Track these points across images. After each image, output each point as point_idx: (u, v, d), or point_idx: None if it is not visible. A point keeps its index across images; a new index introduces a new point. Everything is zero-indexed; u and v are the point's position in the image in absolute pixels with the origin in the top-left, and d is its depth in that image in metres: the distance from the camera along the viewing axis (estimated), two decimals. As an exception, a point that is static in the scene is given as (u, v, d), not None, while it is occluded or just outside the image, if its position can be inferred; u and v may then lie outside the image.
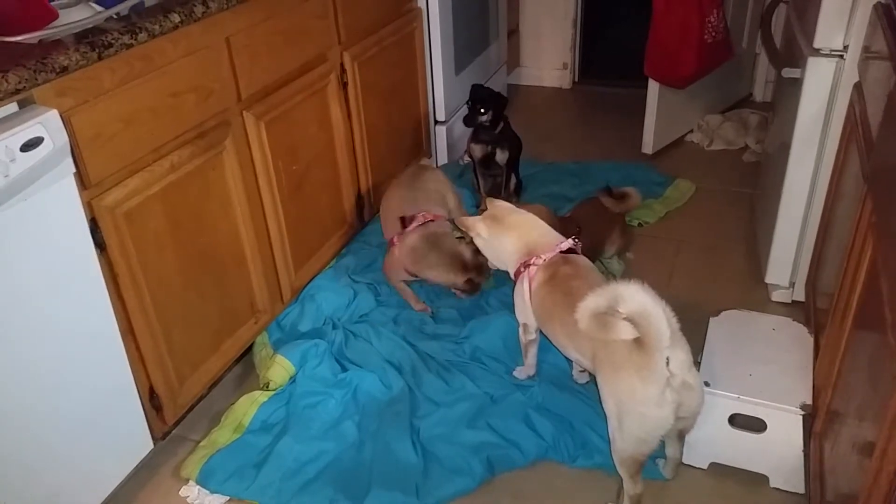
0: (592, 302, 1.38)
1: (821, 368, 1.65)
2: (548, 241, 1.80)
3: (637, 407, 1.45)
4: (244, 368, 2.13)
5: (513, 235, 1.83)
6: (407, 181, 2.41)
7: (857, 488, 1.14)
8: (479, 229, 1.85)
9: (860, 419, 1.25)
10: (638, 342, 1.39)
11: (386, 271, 2.33)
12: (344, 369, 2.02)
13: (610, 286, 1.39)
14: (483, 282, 2.25)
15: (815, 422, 1.60)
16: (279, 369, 2.00)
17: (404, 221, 2.24)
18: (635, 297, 1.34)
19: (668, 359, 1.40)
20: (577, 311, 1.40)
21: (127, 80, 1.52)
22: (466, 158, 2.97)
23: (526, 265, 1.78)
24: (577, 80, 4.08)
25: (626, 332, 1.39)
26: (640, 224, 2.73)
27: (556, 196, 2.82)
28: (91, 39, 1.42)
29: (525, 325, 1.88)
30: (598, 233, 2.38)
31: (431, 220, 2.24)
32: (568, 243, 1.78)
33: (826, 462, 1.46)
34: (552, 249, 1.76)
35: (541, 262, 1.75)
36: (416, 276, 2.24)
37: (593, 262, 2.36)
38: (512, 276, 1.86)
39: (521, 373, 1.99)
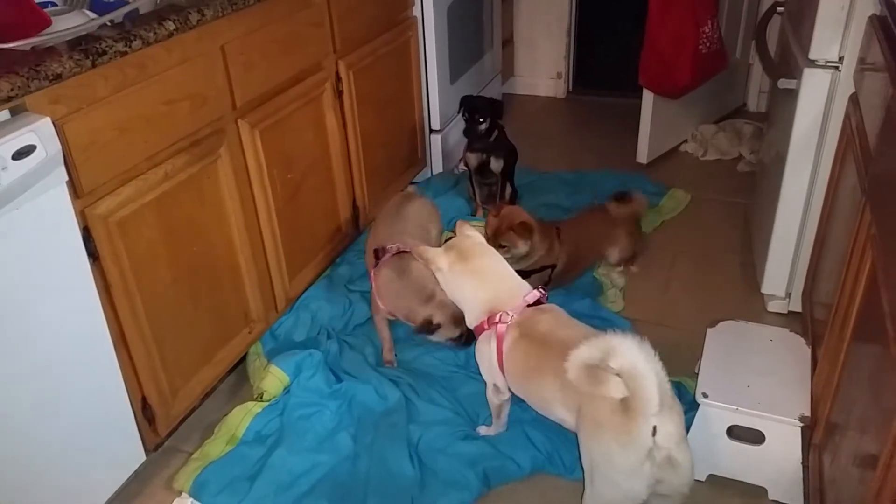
0: (586, 352, 1.28)
1: (819, 380, 1.65)
2: (513, 293, 1.65)
3: (610, 472, 1.36)
4: (238, 378, 2.11)
5: (475, 282, 1.67)
6: (390, 211, 2.31)
7: (859, 501, 1.13)
8: (440, 263, 1.70)
9: (861, 432, 1.24)
10: (624, 403, 1.30)
11: (372, 309, 2.19)
12: (339, 380, 2.00)
13: (606, 336, 1.29)
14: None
15: (814, 433, 1.59)
16: (273, 380, 1.97)
17: (377, 253, 2.11)
18: (628, 354, 1.24)
19: (654, 427, 1.29)
20: (567, 360, 1.30)
21: (121, 87, 1.51)
22: (462, 167, 2.96)
23: (492, 322, 1.63)
24: (571, 89, 4.09)
25: (615, 389, 1.29)
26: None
27: (551, 205, 2.82)
28: (85, 47, 1.41)
29: (495, 385, 1.72)
30: (599, 239, 2.38)
31: (406, 252, 2.06)
32: (534, 294, 1.64)
33: (826, 474, 1.45)
34: (519, 303, 1.62)
35: (509, 319, 1.60)
36: (394, 315, 2.10)
37: (584, 270, 2.39)
38: (471, 326, 1.72)
39: (488, 431, 1.84)
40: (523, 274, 2.15)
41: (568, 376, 1.31)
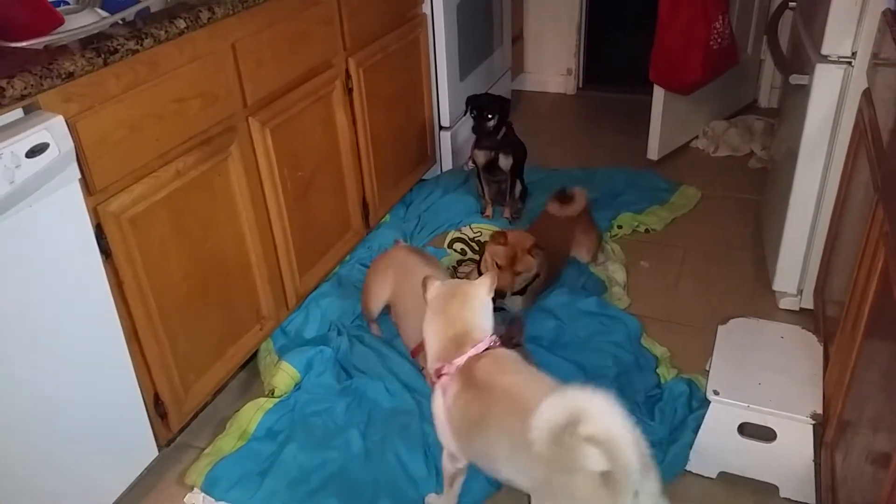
0: (550, 414, 1.12)
1: (831, 377, 1.64)
2: (468, 340, 1.47)
3: None
4: (249, 375, 2.12)
5: (438, 324, 1.51)
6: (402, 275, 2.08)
7: (872, 499, 1.13)
8: (429, 294, 1.55)
9: (874, 430, 1.23)
10: (605, 476, 1.14)
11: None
12: (349, 377, 2.01)
13: (568, 394, 1.12)
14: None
15: (826, 431, 1.58)
16: (284, 376, 1.98)
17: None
18: (602, 418, 1.09)
19: (638, 493, 1.16)
20: (532, 428, 1.14)
21: (132, 85, 1.51)
22: (470, 164, 2.96)
23: (438, 374, 1.47)
24: (581, 86, 4.08)
25: (596, 462, 1.12)
26: (647, 231, 2.73)
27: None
28: (97, 45, 1.41)
29: (450, 451, 1.54)
30: (558, 242, 2.37)
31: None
32: (484, 345, 1.46)
33: (838, 472, 1.45)
34: (462, 353, 1.45)
35: (452, 369, 1.45)
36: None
37: (561, 271, 2.36)
38: (429, 373, 1.56)
39: (437, 501, 1.66)
40: (520, 291, 2.16)
41: (535, 448, 1.15)
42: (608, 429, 1.09)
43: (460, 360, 1.44)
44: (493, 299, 1.66)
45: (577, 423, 1.10)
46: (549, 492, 1.25)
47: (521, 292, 2.19)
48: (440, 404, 1.48)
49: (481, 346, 1.46)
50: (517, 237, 2.16)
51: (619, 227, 2.76)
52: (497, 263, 2.13)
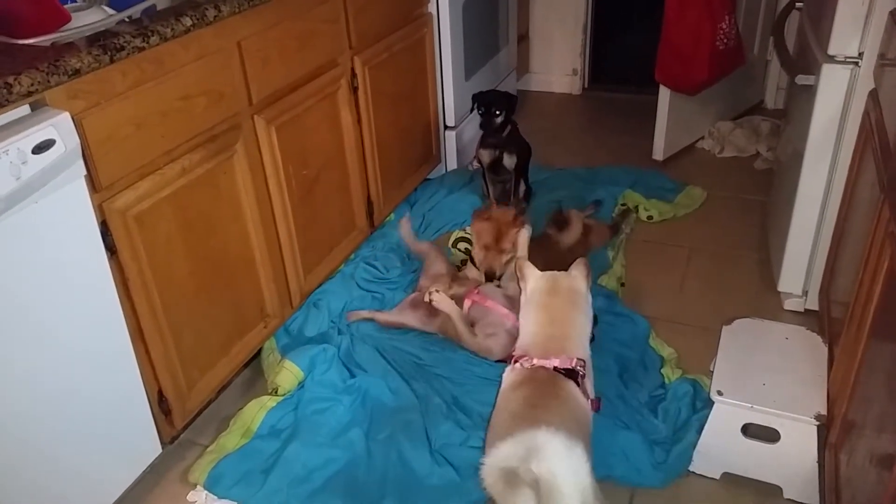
0: (509, 449, 1.12)
1: (835, 378, 1.63)
2: (559, 349, 1.53)
3: None
4: (253, 373, 2.12)
5: (539, 316, 1.58)
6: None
7: (876, 501, 1.13)
8: (528, 284, 1.63)
9: (879, 431, 1.23)
10: None
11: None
12: (352, 375, 2.01)
13: (534, 432, 1.12)
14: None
15: (830, 432, 1.57)
16: (288, 374, 1.98)
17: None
18: (551, 459, 1.07)
19: None
20: (484, 465, 1.14)
21: (138, 83, 1.52)
22: (475, 164, 2.96)
23: (516, 359, 1.54)
24: (586, 85, 4.08)
25: (524, 501, 1.11)
26: (648, 217, 2.75)
27: (565, 202, 2.80)
28: (103, 42, 1.42)
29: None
30: (563, 256, 2.34)
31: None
32: (570, 363, 1.50)
33: (842, 474, 1.44)
34: (548, 360, 1.50)
35: (529, 365, 1.50)
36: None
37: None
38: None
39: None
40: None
41: (484, 478, 1.15)
42: (553, 471, 1.07)
43: (543, 363, 1.49)
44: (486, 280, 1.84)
45: (530, 459, 1.09)
46: None
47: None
48: (503, 386, 1.54)
49: (566, 363, 1.49)
50: (499, 213, 2.12)
51: (623, 204, 2.79)
52: (483, 243, 2.10)
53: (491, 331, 1.98)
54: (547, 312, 1.59)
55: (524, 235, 2.12)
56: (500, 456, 1.13)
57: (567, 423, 1.36)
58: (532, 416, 1.37)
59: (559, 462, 1.08)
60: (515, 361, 1.54)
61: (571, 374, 1.50)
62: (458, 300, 2.06)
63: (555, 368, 1.49)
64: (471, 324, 2.02)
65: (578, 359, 1.53)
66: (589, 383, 1.55)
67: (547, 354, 1.52)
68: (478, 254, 2.13)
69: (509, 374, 1.54)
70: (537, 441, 1.10)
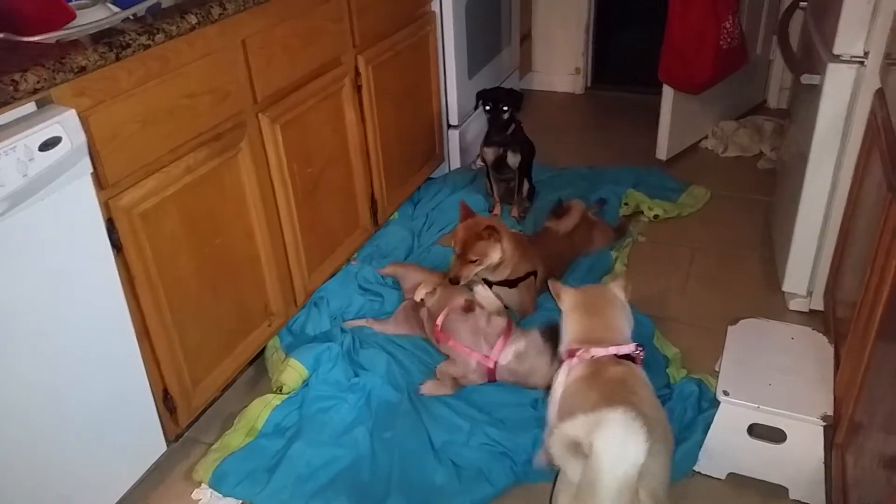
0: (581, 421, 1.13)
1: (842, 379, 1.63)
2: (609, 339, 1.56)
3: None
4: (256, 371, 2.12)
5: (582, 314, 1.62)
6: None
7: (885, 503, 1.12)
8: (564, 304, 1.66)
9: (887, 432, 1.23)
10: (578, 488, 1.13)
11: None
12: (357, 374, 2.01)
13: (608, 410, 1.13)
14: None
15: (837, 433, 1.57)
16: (292, 373, 1.98)
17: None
18: (604, 438, 1.08)
19: None
20: (552, 431, 1.17)
21: (144, 80, 1.51)
22: (479, 163, 2.95)
23: (572, 354, 1.55)
24: (589, 85, 4.07)
25: (575, 472, 1.14)
26: (655, 216, 2.75)
27: (564, 199, 2.80)
28: (109, 40, 1.42)
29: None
30: (560, 251, 2.36)
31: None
32: (628, 349, 1.53)
33: (849, 475, 1.44)
34: (606, 349, 1.52)
35: (587, 355, 1.51)
36: None
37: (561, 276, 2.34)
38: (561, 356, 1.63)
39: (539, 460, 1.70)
40: (509, 283, 2.15)
41: (549, 445, 1.18)
42: (602, 448, 1.08)
43: (600, 352, 1.50)
44: (500, 283, 1.91)
45: (593, 432, 1.10)
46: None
47: (512, 285, 2.17)
48: (561, 381, 1.52)
49: (624, 349, 1.52)
50: (473, 222, 2.08)
51: (626, 203, 2.79)
52: (455, 250, 2.08)
53: (459, 371, 1.96)
54: (586, 312, 1.62)
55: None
56: (573, 425, 1.14)
57: (650, 409, 1.38)
58: (621, 397, 1.37)
59: (610, 440, 1.08)
60: (571, 356, 1.53)
61: (630, 359, 1.52)
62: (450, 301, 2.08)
63: (616, 356, 1.51)
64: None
65: (634, 343, 1.55)
66: None
67: (602, 344, 1.53)
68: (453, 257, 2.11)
69: (572, 370, 1.52)
70: (605, 416, 1.11)
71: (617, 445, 1.08)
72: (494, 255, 2.07)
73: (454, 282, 2.05)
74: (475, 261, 2.05)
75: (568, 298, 1.66)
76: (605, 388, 1.42)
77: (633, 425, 1.08)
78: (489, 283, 2.17)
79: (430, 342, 2.12)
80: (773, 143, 3.22)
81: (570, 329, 1.61)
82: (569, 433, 1.13)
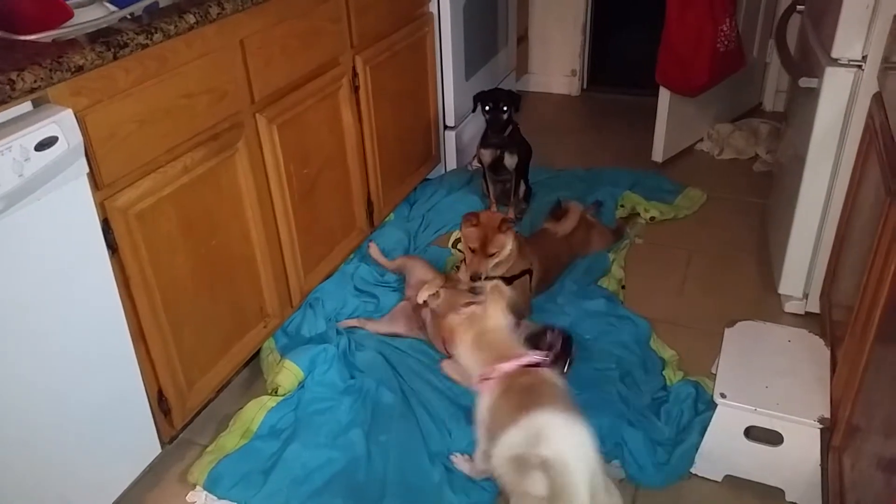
0: (514, 438, 1.14)
1: (839, 381, 1.63)
2: (511, 351, 1.54)
3: None
4: (251, 373, 2.11)
5: (477, 344, 1.58)
6: None
7: (883, 505, 1.12)
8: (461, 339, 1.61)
9: (886, 436, 1.23)
10: (550, 500, 1.12)
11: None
12: (353, 375, 2.00)
13: (538, 415, 1.14)
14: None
15: (834, 436, 1.57)
16: (288, 374, 1.97)
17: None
18: (558, 441, 1.09)
19: None
20: (492, 455, 1.17)
21: (141, 80, 1.51)
22: (476, 164, 2.95)
23: (483, 378, 1.52)
24: (585, 87, 4.07)
25: (536, 486, 1.13)
26: (651, 218, 2.76)
27: (562, 197, 2.80)
28: (107, 39, 1.40)
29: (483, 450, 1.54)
30: (557, 253, 2.37)
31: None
32: (533, 358, 1.51)
33: (846, 478, 1.44)
34: (511, 363, 1.49)
35: (498, 374, 1.49)
36: None
37: (556, 278, 2.34)
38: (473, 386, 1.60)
39: (461, 462, 1.73)
40: (505, 280, 2.15)
41: (493, 463, 1.18)
42: (560, 452, 1.09)
43: (507, 367, 1.47)
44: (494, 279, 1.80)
45: (536, 444, 1.10)
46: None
47: (509, 282, 2.16)
48: (484, 405, 1.50)
49: (525, 360, 1.49)
50: (487, 217, 2.13)
51: (622, 205, 2.80)
52: (469, 246, 2.10)
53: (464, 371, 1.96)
54: (479, 340, 1.57)
55: (509, 238, 2.11)
56: (508, 444, 1.14)
57: (561, 401, 1.39)
58: (528, 403, 1.36)
59: (564, 440, 1.10)
60: (484, 380, 1.51)
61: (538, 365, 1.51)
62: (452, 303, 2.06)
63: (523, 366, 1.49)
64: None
65: (533, 353, 1.53)
66: None
67: (506, 360, 1.50)
68: (466, 256, 2.13)
69: (487, 394, 1.49)
70: (539, 424, 1.12)
71: (573, 443, 1.10)
72: (509, 247, 2.12)
73: (475, 278, 2.09)
74: (493, 254, 2.10)
75: (461, 341, 1.60)
76: (519, 400, 1.40)
77: (572, 420, 1.10)
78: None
79: (429, 343, 2.11)
80: (768, 145, 3.22)
81: (474, 363, 1.56)
82: (509, 452, 1.13)
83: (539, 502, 1.15)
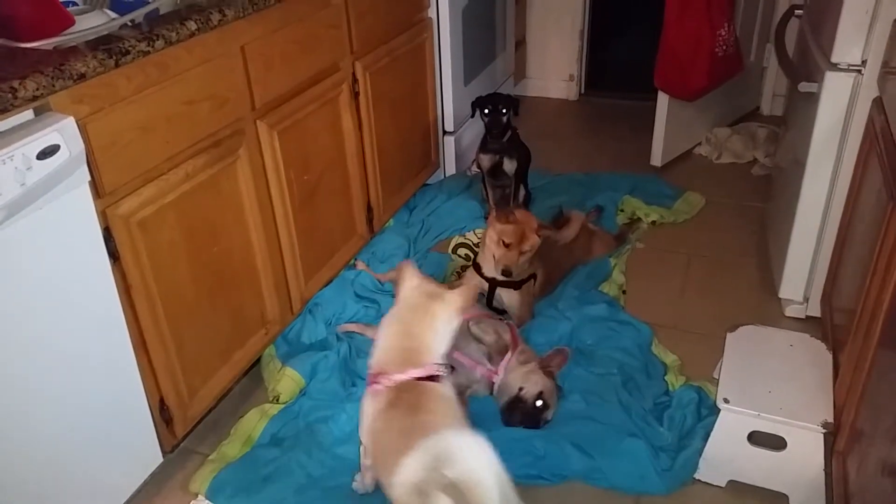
0: (416, 463, 1.09)
1: (842, 386, 1.63)
2: (416, 361, 1.43)
3: None
4: (252, 381, 2.10)
5: (395, 328, 1.49)
6: None
7: (891, 511, 1.12)
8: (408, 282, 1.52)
9: (891, 440, 1.22)
10: None
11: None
12: (354, 383, 1.99)
13: (441, 438, 1.11)
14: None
15: (838, 440, 1.57)
16: (289, 382, 1.97)
17: None
18: (467, 461, 1.06)
19: None
20: (394, 484, 1.12)
21: (143, 87, 1.50)
22: (475, 169, 2.95)
23: (374, 379, 1.44)
24: (583, 91, 4.08)
25: None
26: (652, 222, 2.77)
27: (565, 207, 2.80)
28: (108, 46, 1.40)
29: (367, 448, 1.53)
30: (558, 259, 2.37)
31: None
32: (427, 371, 1.42)
33: (852, 482, 1.44)
34: (406, 374, 1.40)
35: (389, 383, 1.41)
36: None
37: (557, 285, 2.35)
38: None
39: (359, 483, 1.69)
40: (514, 285, 2.16)
41: (394, 493, 1.14)
42: (471, 470, 1.06)
43: (400, 377, 1.40)
44: (505, 283, 1.91)
45: (442, 466, 1.07)
46: None
47: (517, 286, 2.18)
48: (368, 406, 1.44)
49: (423, 372, 1.41)
50: (524, 216, 2.16)
51: (622, 210, 2.80)
52: (504, 242, 2.11)
53: (464, 382, 1.95)
54: (405, 326, 1.47)
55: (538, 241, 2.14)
56: (410, 470, 1.10)
57: (458, 421, 1.36)
58: (422, 424, 1.30)
59: (474, 458, 1.07)
60: (374, 382, 1.44)
61: (433, 379, 1.43)
62: None
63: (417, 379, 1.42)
64: None
65: (436, 364, 1.44)
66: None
67: (405, 367, 1.42)
68: (496, 251, 2.14)
69: (373, 398, 1.43)
70: (444, 446, 1.09)
71: (481, 463, 1.06)
72: (536, 245, 2.15)
73: (507, 273, 2.12)
74: (525, 252, 2.13)
75: (407, 289, 1.50)
76: (411, 421, 1.33)
77: (476, 439, 1.07)
78: (494, 284, 2.17)
79: None
80: (766, 149, 3.23)
81: (384, 346, 1.47)
82: (412, 478, 1.10)
83: None
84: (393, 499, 1.20)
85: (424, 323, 1.46)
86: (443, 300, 1.47)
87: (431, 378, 1.42)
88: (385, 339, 1.48)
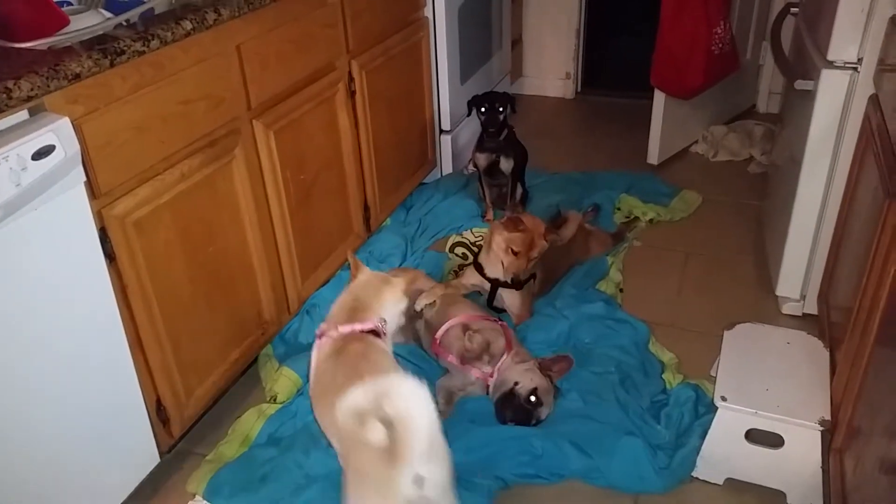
0: (360, 396, 1.20)
1: (839, 383, 1.63)
2: (357, 318, 1.63)
3: None
4: (248, 381, 2.09)
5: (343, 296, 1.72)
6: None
7: (888, 508, 1.12)
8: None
9: (889, 437, 1.23)
10: (388, 451, 1.19)
11: None
12: (352, 381, 1.99)
13: (383, 379, 1.23)
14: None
15: (835, 438, 1.58)
16: (286, 382, 1.97)
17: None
18: (402, 397, 1.16)
19: (423, 478, 1.22)
20: (338, 407, 1.22)
21: (138, 87, 1.50)
22: (471, 168, 2.95)
23: (321, 334, 1.63)
24: (579, 90, 4.08)
25: (375, 434, 1.18)
26: (650, 221, 2.76)
27: (562, 205, 2.80)
28: (103, 46, 1.40)
29: None
30: (556, 259, 2.37)
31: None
32: (371, 324, 1.62)
33: (849, 480, 1.44)
34: (351, 327, 1.60)
35: (334, 334, 1.60)
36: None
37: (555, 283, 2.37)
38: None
39: None
40: (516, 285, 2.16)
41: (337, 418, 1.23)
42: (405, 406, 1.16)
43: (344, 329, 1.59)
44: (507, 284, 2.03)
45: (382, 402, 1.17)
46: (346, 465, 1.37)
47: (518, 286, 2.18)
48: (315, 357, 1.62)
49: (367, 325, 1.61)
50: (532, 222, 2.16)
51: (619, 208, 2.80)
52: (513, 250, 2.11)
53: (458, 384, 1.97)
54: (354, 294, 1.71)
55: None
56: (355, 396, 1.20)
57: (396, 368, 1.54)
58: (370, 365, 1.50)
59: (413, 400, 1.16)
60: (321, 336, 1.62)
61: (374, 333, 1.62)
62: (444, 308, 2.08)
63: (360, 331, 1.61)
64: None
65: (380, 319, 1.65)
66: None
67: (351, 321, 1.62)
68: (504, 258, 2.13)
69: (320, 349, 1.61)
70: (388, 384, 1.19)
71: (417, 405, 1.16)
72: (544, 250, 2.16)
73: (517, 280, 2.14)
74: (534, 258, 2.14)
75: (361, 277, 1.74)
76: (349, 364, 1.52)
77: (418, 385, 1.17)
78: (497, 284, 2.17)
79: (426, 352, 2.11)
80: (763, 147, 3.23)
81: (330, 311, 1.69)
82: (354, 405, 1.19)
83: (374, 454, 1.20)
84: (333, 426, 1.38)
85: (371, 293, 1.70)
86: (390, 283, 1.73)
87: (374, 333, 1.61)
88: (335, 304, 1.71)
